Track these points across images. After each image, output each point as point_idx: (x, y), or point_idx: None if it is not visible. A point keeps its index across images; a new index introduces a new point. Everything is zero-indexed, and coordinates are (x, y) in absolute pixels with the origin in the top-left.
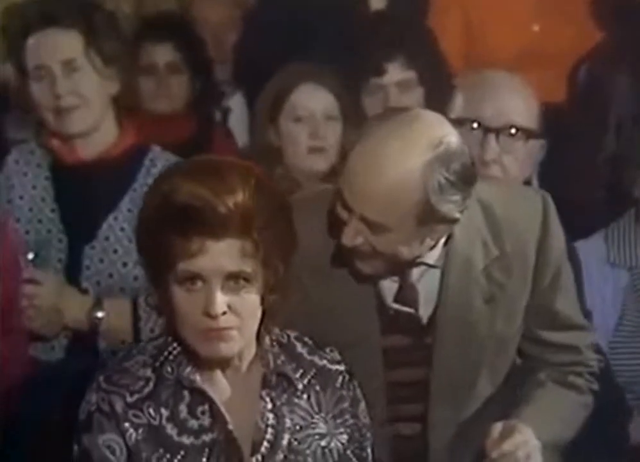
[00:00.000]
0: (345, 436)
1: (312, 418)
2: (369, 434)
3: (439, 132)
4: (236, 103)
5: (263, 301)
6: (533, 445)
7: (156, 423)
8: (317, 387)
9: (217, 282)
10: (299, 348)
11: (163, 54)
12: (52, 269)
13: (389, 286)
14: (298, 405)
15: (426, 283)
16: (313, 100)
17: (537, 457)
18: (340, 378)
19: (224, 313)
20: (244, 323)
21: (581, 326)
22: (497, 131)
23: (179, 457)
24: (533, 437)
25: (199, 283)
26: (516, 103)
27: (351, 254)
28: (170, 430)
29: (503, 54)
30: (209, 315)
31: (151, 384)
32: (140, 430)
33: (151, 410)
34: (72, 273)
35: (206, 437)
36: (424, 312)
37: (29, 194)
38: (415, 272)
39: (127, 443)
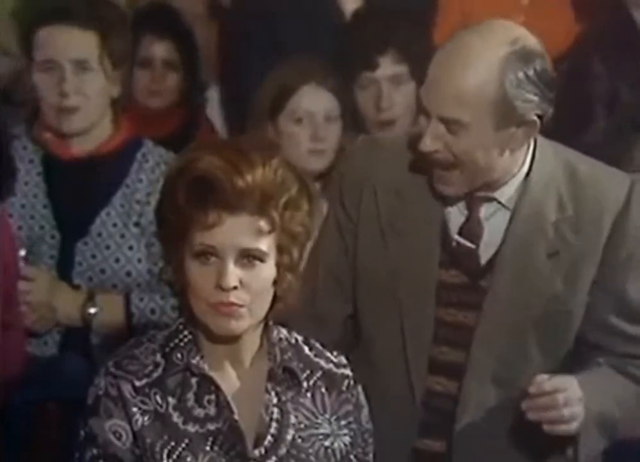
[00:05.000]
0: (348, 438)
1: (316, 418)
2: (371, 440)
3: (517, 32)
4: (212, 94)
5: (275, 283)
6: (576, 395)
7: (162, 410)
8: (323, 389)
9: (230, 256)
10: (307, 350)
11: (161, 50)
12: (44, 266)
13: (456, 218)
14: (303, 405)
15: (493, 223)
16: (316, 102)
17: (577, 406)
18: (346, 382)
19: (235, 288)
20: (254, 301)
21: None
22: None
23: (183, 445)
24: (577, 389)
25: (213, 258)
26: None
27: (429, 164)
28: (176, 418)
29: None
30: (221, 288)
31: (160, 369)
32: (147, 417)
33: (158, 398)
34: (64, 269)
35: (211, 426)
36: (485, 253)
37: (22, 190)
38: (485, 208)
39: (133, 428)
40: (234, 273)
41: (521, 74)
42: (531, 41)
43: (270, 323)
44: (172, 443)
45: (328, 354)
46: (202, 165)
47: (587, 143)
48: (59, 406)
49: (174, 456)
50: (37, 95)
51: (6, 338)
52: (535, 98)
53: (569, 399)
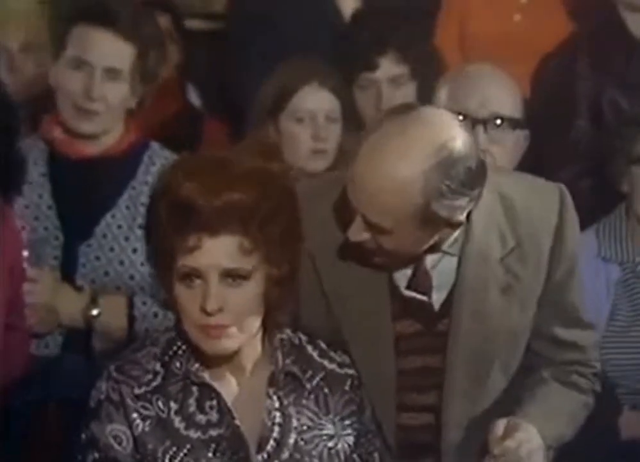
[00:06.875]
0: (351, 438)
1: (320, 419)
2: (374, 440)
3: (444, 136)
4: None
5: (267, 295)
6: (536, 444)
7: (164, 415)
8: (326, 390)
9: (213, 278)
10: (310, 350)
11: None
12: (47, 267)
13: (402, 272)
14: (306, 406)
15: (440, 270)
16: (317, 102)
17: (539, 455)
18: (349, 381)
19: (221, 310)
20: (241, 320)
21: (589, 325)
22: (485, 122)
23: (185, 450)
24: (536, 436)
25: (198, 281)
26: (500, 94)
27: (359, 248)
28: (178, 423)
29: (485, 43)
30: (205, 311)
31: (159, 378)
32: (148, 422)
33: (160, 403)
34: (68, 270)
35: (213, 432)
36: (437, 299)
37: (25, 190)
38: (430, 259)
39: (134, 433)
40: (217, 295)
41: (443, 187)
42: (457, 143)
43: (270, 326)
44: (174, 449)
45: (332, 354)
46: (179, 191)
47: (571, 140)
48: (59, 406)
49: None
50: (56, 90)
51: (10, 339)
52: (462, 203)
53: (532, 450)
